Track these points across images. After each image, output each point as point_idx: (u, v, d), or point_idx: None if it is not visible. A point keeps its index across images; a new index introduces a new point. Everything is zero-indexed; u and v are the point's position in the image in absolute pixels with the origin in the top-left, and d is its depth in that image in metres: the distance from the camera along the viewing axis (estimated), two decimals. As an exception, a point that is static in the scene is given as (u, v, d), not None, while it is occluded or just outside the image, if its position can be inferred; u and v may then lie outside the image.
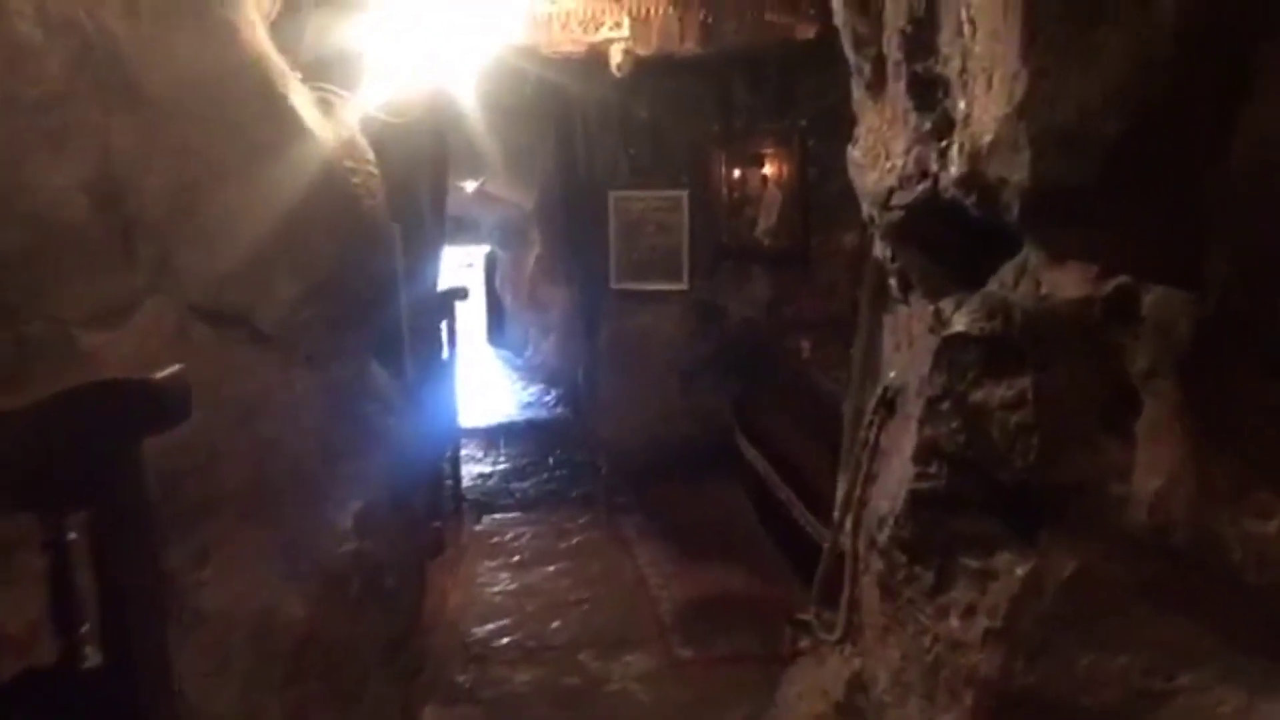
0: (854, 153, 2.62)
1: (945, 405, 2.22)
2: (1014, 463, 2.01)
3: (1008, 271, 2.00)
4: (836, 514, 3.39)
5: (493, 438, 7.40)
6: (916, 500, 2.31)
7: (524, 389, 10.14)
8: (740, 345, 6.70)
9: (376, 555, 2.80)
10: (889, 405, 2.65)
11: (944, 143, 2.06)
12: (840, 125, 6.43)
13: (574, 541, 5.51)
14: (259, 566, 2.36)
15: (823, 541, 4.84)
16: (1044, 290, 1.88)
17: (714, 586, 4.89)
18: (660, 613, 4.63)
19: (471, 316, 12.69)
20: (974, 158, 1.86)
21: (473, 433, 7.45)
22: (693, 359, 6.90)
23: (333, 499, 2.64)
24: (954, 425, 2.15)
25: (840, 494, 3.48)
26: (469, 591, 4.92)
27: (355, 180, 2.84)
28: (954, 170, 1.95)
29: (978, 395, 2.07)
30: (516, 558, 5.33)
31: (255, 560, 2.35)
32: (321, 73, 3.23)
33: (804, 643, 4.11)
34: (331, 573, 2.57)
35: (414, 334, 5.15)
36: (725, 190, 6.65)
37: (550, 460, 6.93)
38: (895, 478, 2.50)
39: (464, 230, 11.58)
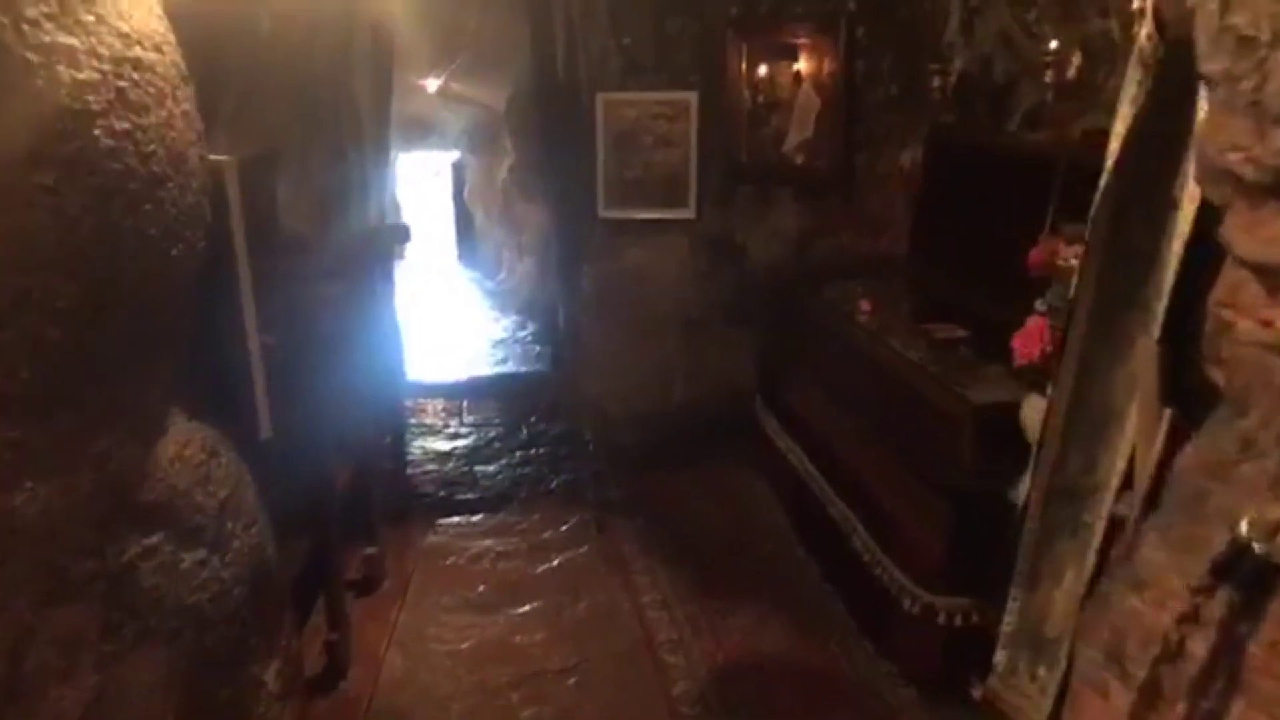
0: (1233, 19, 1.07)
1: None
2: None
3: None
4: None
5: (455, 398, 5.87)
6: None
7: (496, 321, 8.59)
8: (761, 291, 5.16)
9: None
10: (1247, 578, 1.17)
11: None
12: (900, 5, 4.75)
13: (555, 563, 4.06)
14: None
15: (904, 597, 3.44)
16: None
17: (747, 645, 3.47)
18: (675, 695, 3.22)
19: (438, 232, 11.03)
20: None
21: (432, 390, 5.93)
22: (700, 306, 5.35)
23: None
24: None
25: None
26: (410, 651, 3.48)
27: (78, 78, 1.27)
28: None
29: None
30: (480, 588, 3.88)
31: None
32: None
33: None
34: None
35: (327, 299, 3.59)
36: (747, 93, 5.00)
37: (525, 431, 5.43)
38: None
39: (427, 135, 9.83)
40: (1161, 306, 1.63)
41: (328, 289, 3.57)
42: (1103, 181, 1.68)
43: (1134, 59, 1.61)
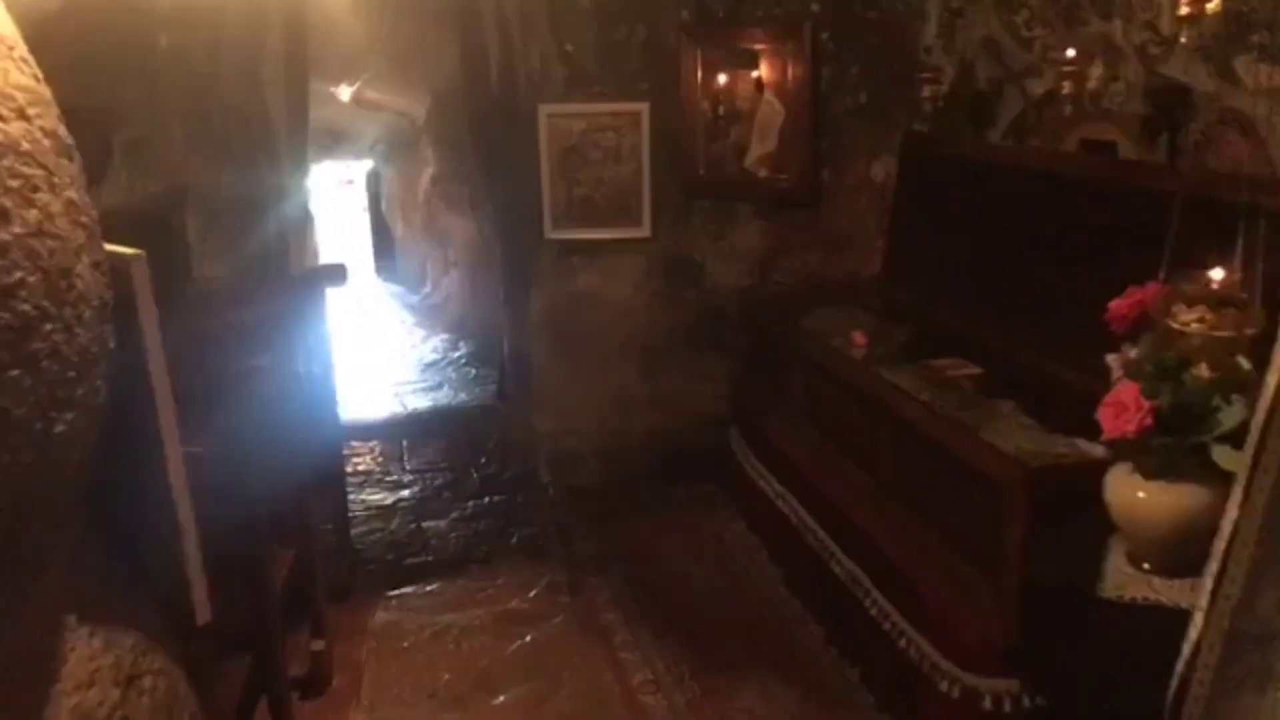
0: None
1: None
2: None
3: None
4: None
5: (393, 439, 5.27)
6: None
7: (424, 340, 7.94)
8: (725, 314, 4.72)
9: None
10: None
11: None
12: (868, 8, 4.29)
13: (528, 639, 3.54)
14: None
15: (938, 677, 3.04)
16: None
17: (759, 735, 3.03)
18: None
19: (356, 244, 10.29)
20: None
21: (366, 431, 5.32)
22: (658, 332, 4.87)
23: None
24: None
25: None
26: (374, 767, 2.94)
27: None
28: None
29: None
30: (445, 676, 3.33)
31: None
32: None
33: None
34: None
35: (257, 365, 2.99)
36: (704, 103, 4.53)
37: (476, 476, 4.87)
38: None
39: (340, 144, 9.10)
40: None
41: (257, 352, 2.98)
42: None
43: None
